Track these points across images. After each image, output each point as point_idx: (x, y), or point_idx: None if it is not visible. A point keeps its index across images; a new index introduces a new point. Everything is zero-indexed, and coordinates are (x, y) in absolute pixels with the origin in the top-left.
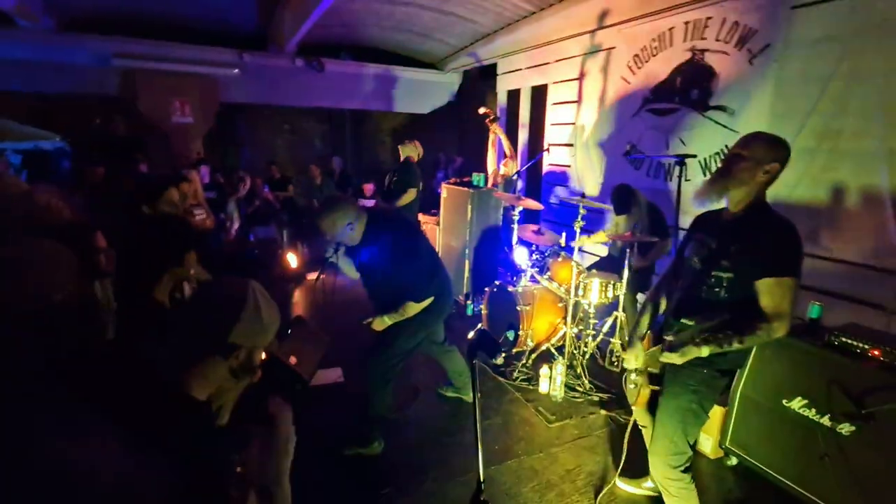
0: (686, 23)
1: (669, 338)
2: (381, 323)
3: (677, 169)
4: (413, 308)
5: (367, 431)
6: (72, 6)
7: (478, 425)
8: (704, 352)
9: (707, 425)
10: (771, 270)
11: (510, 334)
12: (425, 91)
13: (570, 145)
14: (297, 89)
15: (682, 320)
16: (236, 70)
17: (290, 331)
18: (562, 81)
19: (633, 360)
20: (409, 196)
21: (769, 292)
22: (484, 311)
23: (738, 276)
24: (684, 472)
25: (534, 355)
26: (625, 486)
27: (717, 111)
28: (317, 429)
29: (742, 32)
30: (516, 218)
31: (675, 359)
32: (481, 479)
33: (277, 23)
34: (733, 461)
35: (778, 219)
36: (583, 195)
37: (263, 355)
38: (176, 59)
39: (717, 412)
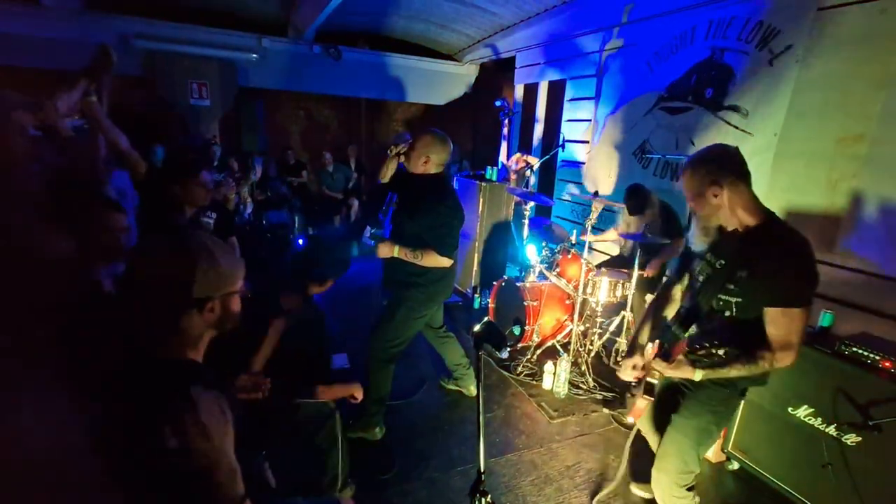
0: (710, 21)
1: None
2: (388, 249)
3: None
4: (432, 258)
5: (370, 415)
6: None
7: (481, 416)
8: (697, 375)
9: None
10: (778, 300)
11: (516, 329)
12: (441, 82)
13: (586, 142)
14: (314, 76)
15: (687, 334)
16: (255, 55)
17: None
18: (580, 77)
19: (629, 370)
20: None
21: (774, 322)
22: (491, 305)
23: (745, 301)
24: (689, 490)
25: (539, 351)
26: (640, 493)
27: (730, 111)
28: None
29: (765, 32)
30: (528, 213)
31: (664, 368)
32: (482, 470)
33: (297, 9)
34: (734, 466)
35: (789, 240)
36: (595, 193)
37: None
38: (196, 42)
39: None
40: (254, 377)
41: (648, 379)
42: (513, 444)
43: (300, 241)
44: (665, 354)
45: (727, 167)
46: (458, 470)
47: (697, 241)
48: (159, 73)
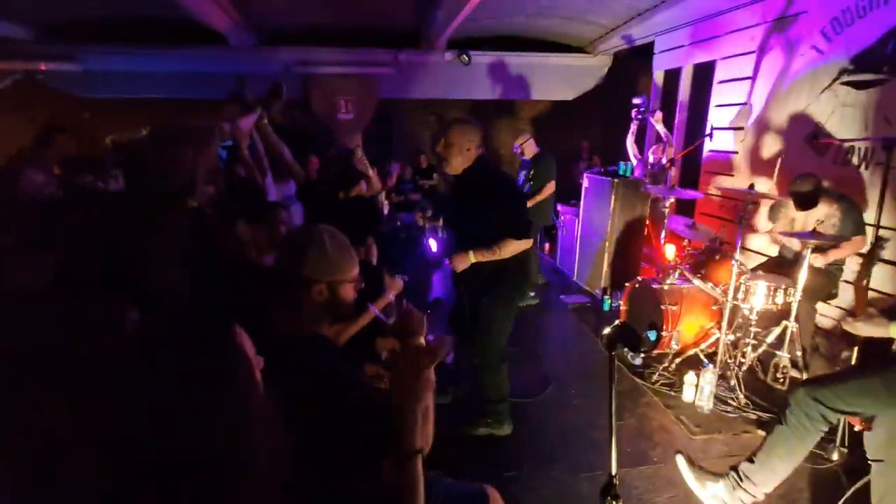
0: None
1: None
2: (464, 259)
3: (881, 154)
4: (512, 246)
5: (496, 413)
6: (267, 24)
7: (613, 417)
8: (893, 330)
9: None
10: None
11: (651, 334)
12: (570, 76)
13: (739, 128)
14: (444, 82)
15: None
16: (392, 68)
17: (429, 311)
18: (733, 56)
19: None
20: (549, 189)
21: None
22: (623, 308)
23: None
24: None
25: (678, 359)
26: None
27: None
28: (446, 407)
29: None
30: (666, 210)
31: (852, 324)
32: (614, 473)
33: (430, 21)
34: None
35: None
36: (751, 186)
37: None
38: (343, 63)
39: None
40: (376, 368)
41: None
42: (647, 456)
43: (428, 241)
44: (867, 316)
45: None
46: (585, 475)
47: None
48: (314, 93)
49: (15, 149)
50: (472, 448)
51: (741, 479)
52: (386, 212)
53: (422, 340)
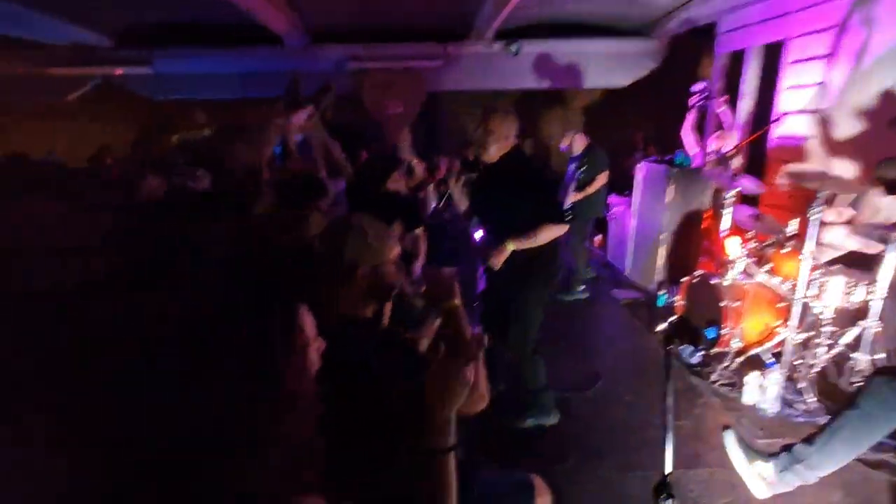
0: None
1: None
2: (503, 253)
3: None
4: (548, 231)
5: (539, 404)
6: (321, 23)
7: (669, 415)
8: None
9: None
10: None
11: (710, 332)
12: (625, 62)
13: (812, 112)
14: (492, 74)
15: None
16: (440, 61)
17: (476, 303)
18: (808, 34)
19: None
20: (602, 180)
21: None
22: (679, 303)
23: None
24: None
25: (740, 359)
26: None
27: None
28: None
29: None
30: (729, 202)
31: None
32: (668, 472)
33: (478, 12)
34: None
35: None
36: (824, 174)
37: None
38: (393, 58)
39: None
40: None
41: None
42: (704, 458)
43: (476, 232)
44: None
45: None
46: (635, 474)
47: None
48: (364, 88)
49: (95, 148)
50: (515, 439)
51: (795, 461)
52: (433, 205)
53: (456, 302)
